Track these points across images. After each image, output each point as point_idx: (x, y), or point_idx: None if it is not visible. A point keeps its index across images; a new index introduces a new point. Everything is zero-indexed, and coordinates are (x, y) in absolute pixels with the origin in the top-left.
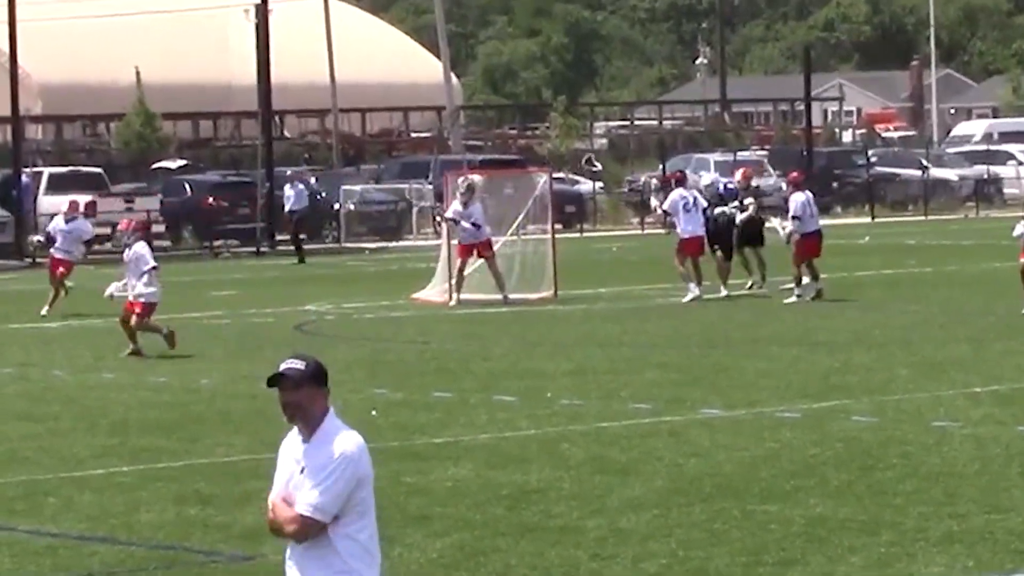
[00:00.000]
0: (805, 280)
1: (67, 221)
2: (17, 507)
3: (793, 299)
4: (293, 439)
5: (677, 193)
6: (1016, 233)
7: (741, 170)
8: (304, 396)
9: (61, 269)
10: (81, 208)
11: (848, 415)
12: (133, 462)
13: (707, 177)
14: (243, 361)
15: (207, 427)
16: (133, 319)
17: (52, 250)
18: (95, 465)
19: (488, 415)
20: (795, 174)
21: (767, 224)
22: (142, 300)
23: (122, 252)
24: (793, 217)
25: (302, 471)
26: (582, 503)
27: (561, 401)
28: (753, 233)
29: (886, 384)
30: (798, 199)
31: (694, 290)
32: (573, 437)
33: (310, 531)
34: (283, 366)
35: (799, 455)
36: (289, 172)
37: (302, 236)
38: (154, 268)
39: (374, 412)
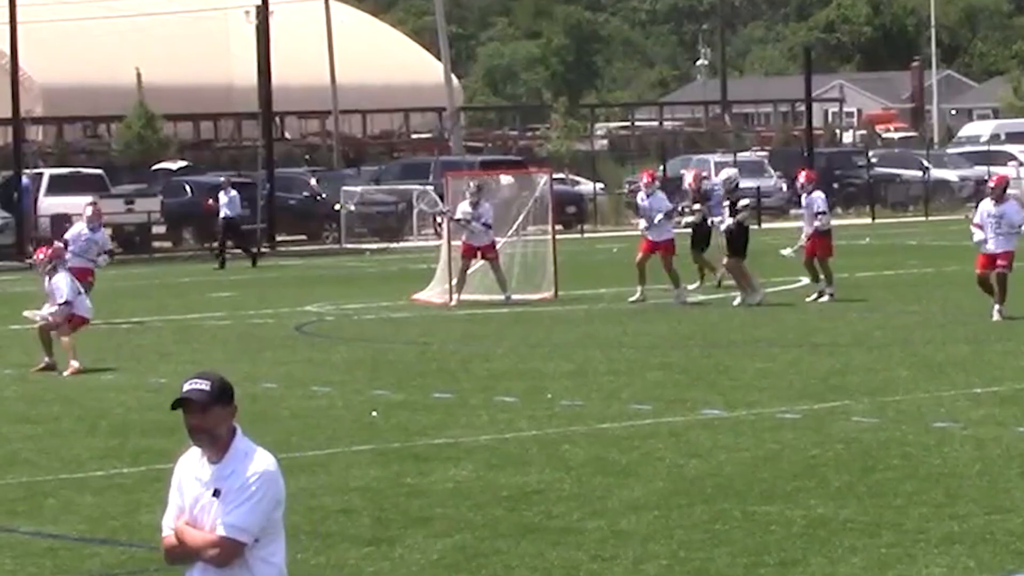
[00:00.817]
0: (805, 280)
1: (92, 230)
2: (18, 508)
3: (830, 294)
4: (193, 460)
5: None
6: (975, 240)
7: (692, 172)
8: (212, 418)
9: (90, 279)
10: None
11: (849, 416)
12: (133, 463)
13: (724, 173)
14: (244, 362)
15: None
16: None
17: (72, 259)
18: (95, 467)
19: (489, 416)
20: (809, 173)
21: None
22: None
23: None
24: (820, 212)
25: (215, 494)
26: (583, 504)
27: (562, 402)
28: (703, 236)
29: (887, 385)
30: (821, 196)
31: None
32: (574, 438)
33: (232, 554)
34: (187, 387)
35: (800, 456)
36: (223, 178)
37: (236, 244)
38: (67, 303)
39: (375, 413)
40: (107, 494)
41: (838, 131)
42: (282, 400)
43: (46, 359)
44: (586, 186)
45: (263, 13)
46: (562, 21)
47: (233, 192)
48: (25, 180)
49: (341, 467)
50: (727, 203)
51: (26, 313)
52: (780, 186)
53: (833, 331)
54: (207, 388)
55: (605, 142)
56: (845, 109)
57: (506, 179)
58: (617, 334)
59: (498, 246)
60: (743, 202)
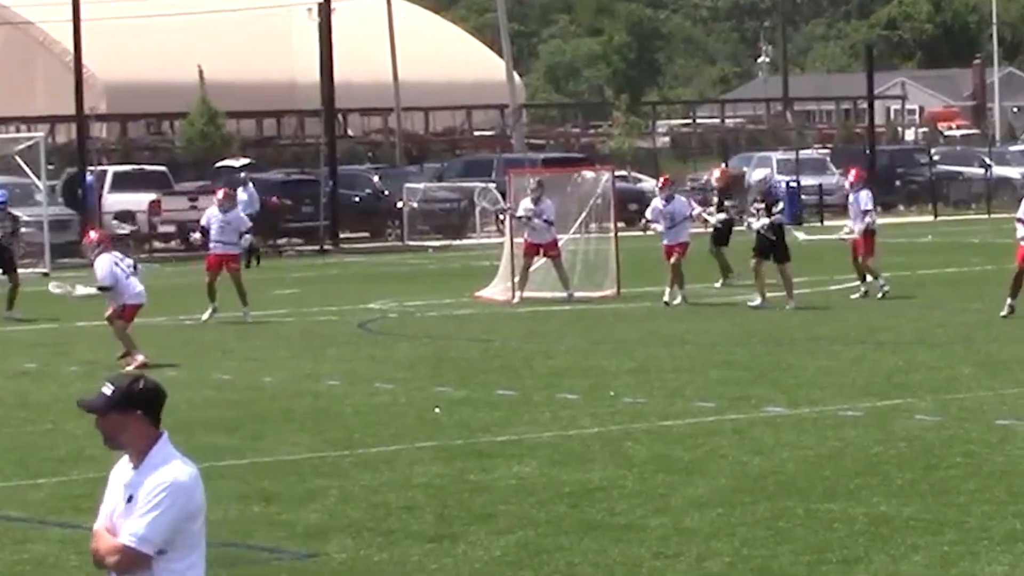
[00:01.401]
0: (869, 278)
1: (224, 212)
2: (83, 505)
3: (886, 289)
4: (125, 465)
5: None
6: (1018, 235)
7: (718, 170)
8: (110, 423)
9: (233, 265)
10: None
11: (911, 414)
12: (197, 460)
13: (759, 172)
14: (307, 360)
15: (271, 425)
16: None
17: (212, 244)
18: None
19: (551, 413)
20: (857, 172)
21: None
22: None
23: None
24: (866, 211)
25: (129, 500)
26: (645, 501)
27: (624, 399)
28: (726, 234)
29: (949, 382)
30: (868, 194)
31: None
32: (636, 435)
33: (133, 563)
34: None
35: (862, 454)
36: (242, 175)
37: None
38: (107, 288)
39: (437, 410)
40: None
41: (900, 128)
42: (345, 397)
43: (132, 352)
44: (648, 183)
45: (325, 10)
46: (624, 18)
47: (252, 189)
48: (89, 177)
49: (404, 464)
50: (761, 204)
51: (51, 286)
52: (842, 183)
53: (896, 329)
54: (107, 393)
55: (667, 139)
56: (907, 106)
57: (591, 174)
58: (679, 331)
59: (560, 243)
60: (780, 205)
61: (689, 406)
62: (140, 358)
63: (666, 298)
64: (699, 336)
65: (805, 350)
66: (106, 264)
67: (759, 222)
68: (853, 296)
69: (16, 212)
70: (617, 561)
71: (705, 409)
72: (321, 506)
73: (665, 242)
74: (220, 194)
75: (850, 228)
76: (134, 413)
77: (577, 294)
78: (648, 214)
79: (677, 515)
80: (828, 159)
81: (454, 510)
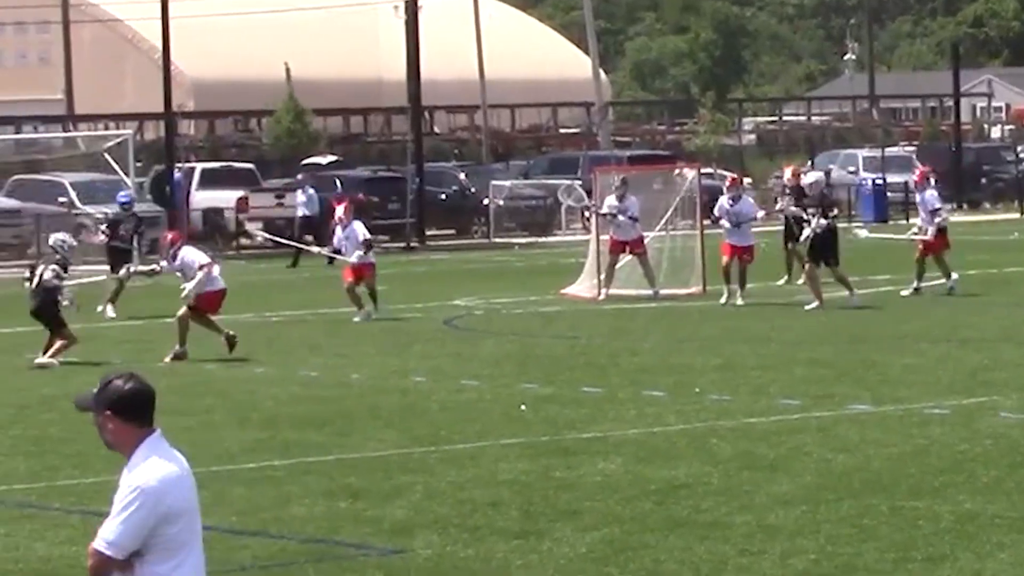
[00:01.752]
0: (955, 275)
1: (344, 228)
2: None
3: (953, 287)
4: None
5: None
6: None
7: (791, 169)
8: (96, 423)
9: (367, 274)
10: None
11: (997, 411)
12: (284, 456)
13: (811, 176)
14: (393, 356)
15: (357, 421)
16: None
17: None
18: (246, 459)
19: (637, 410)
20: (921, 172)
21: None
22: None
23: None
24: (934, 210)
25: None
26: (730, 498)
27: (709, 396)
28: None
29: None
30: (934, 194)
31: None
32: (721, 432)
33: (103, 567)
34: None
35: (948, 451)
36: (299, 176)
37: (308, 238)
38: (205, 265)
39: (523, 407)
40: (258, 486)
41: (986, 126)
42: (431, 394)
43: (224, 333)
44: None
45: (412, 8)
46: (710, 16)
47: (311, 191)
48: (177, 174)
49: (490, 460)
50: (816, 207)
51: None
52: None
53: (981, 326)
54: (90, 393)
55: (753, 137)
56: (993, 104)
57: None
58: (764, 329)
59: (646, 241)
60: (835, 210)
61: (774, 403)
62: (180, 350)
63: (731, 300)
64: (784, 333)
65: (890, 348)
66: (195, 251)
67: (815, 224)
68: (904, 293)
69: (140, 213)
70: (702, 558)
71: (790, 407)
72: (407, 502)
73: (729, 241)
74: (340, 210)
75: (920, 228)
76: (105, 413)
77: (663, 291)
78: (715, 211)
79: (762, 512)
80: (914, 157)
81: (539, 507)
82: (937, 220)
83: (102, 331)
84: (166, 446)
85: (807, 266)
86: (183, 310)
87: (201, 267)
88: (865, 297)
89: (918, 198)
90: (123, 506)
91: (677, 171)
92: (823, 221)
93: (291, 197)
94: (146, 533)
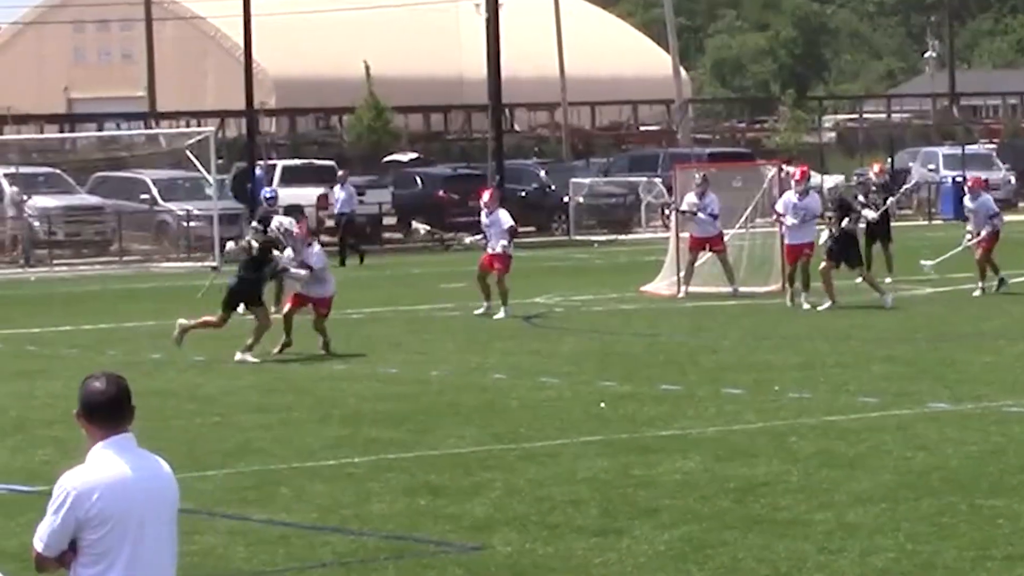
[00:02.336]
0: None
1: (488, 214)
2: (250, 497)
3: (997, 285)
4: None
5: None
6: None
7: (878, 165)
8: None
9: (497, 265)
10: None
11: None
12: (364, 453)
13: (830, 181)
14: (473, 353)
15: (437, 418)
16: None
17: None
18: (327, 456)
19: (716, 408)
20: (975, 179)
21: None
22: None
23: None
24: (993, 215)
25: None
26: (810, 496)
27: (789, 394)
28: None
29: None
30: (989, 198)
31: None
32: (801, 430)
33: (39, 562)
34: None
35: None
36: (340, 172)
37: (351, 241)
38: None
39: (602, 404)
40: (338, 483)
41: None
42: (511, 391)
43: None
44: (814, 179)
45: (493, 5)
46: (790, 13)
47: (351, 188)
48: (259, 171)
49: (569, 458)
50: (834, 212)
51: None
52: (1008, 178)
53: None
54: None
55: (833, 134)
56: None
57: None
58: (844, 326)
59: (726, 238)
60: (853, 215)
61: (853, 401)
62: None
63: (802, 301)
64: (863, 331)
65: (969, 346)
66: (321, 253)
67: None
68: (975, 294)
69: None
70: (781, 556)
71: (869, 405)
72: (487, 499)
73: (791, 242)
74: (486, 196)
75: (972, 232)
76: (76, 412)
77: (742, 289)
78: (779, 207)
79: (841, 510)
80: (994, 154)
81: (618, 504)
82: (995, 222)
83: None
84: (127, 450)
85: (822, 266)
86: (287, 308)
87: (322, 269)
88: (943, 296)
89: (970, 204)
90: (49, 506)
91: (784, 171)
92: (853, 221)
93: (372, 194)
94: (70, 534)
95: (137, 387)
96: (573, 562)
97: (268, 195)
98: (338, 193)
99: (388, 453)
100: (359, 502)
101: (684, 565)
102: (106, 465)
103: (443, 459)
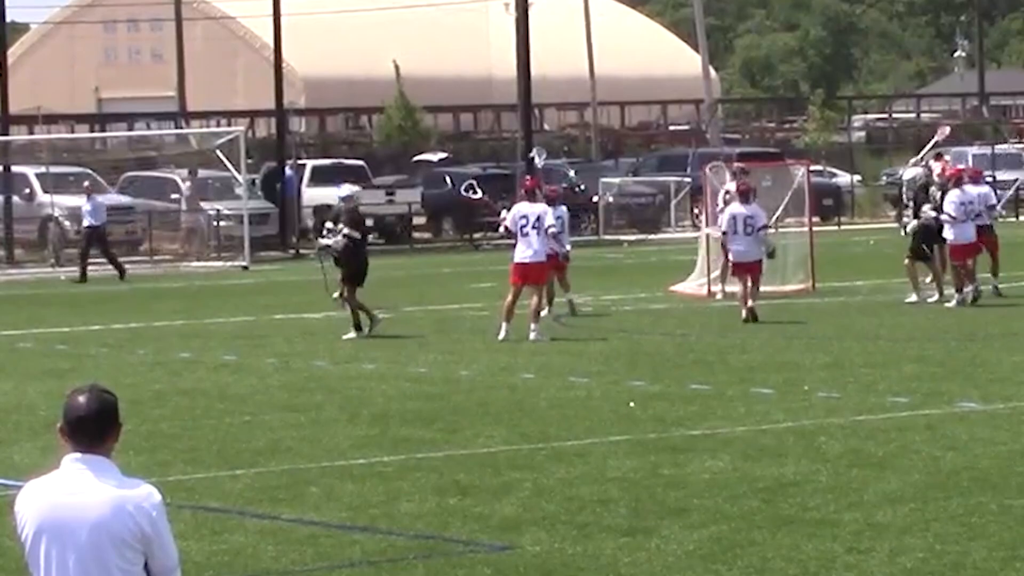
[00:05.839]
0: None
1: (550, 204)
2: (280, 496)
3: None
4: None
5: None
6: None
7: (941, 164)
8: None
9: (557, 271)
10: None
11: None
12: (394, 452)
13: (910, 172)
14: (502, 353)
15: (467, 418)
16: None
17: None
18: (356, 455)
19: (745, 407)
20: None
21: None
22: None
23: None
24: (992, 205)
25: None
26: (839, 496)
27: (818, 394)
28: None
29: None
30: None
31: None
32: (830, 430)
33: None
34: None
35: None
36: (86, 184)
37: (112, 251)
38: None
39: (632, 404)
40: (368, 482)
41: None
42: (540, 390)
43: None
44: (843, 178)
45: (522, 5)
46: (819, 13)
47: (98, 199)
48: (288, 171)
49: (598, 457)
50: (912, 204)
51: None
52: None
53: None
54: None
55: (862, 134)
56: None
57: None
58: (874, 326)
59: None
60: (927, 206)
61: (882, 401)
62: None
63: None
64: (893, 331)
65: (1000, 345)
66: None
67: (918, 220)
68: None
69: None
70: (810, 556)
71: (898, 404)
72: (516, 499)
73: (957, 240)
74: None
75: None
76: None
77: (771, 288)
78: (952, 211)
79: (870, 510)
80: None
81: (648, 504)
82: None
83: (215, 328)
84: (79, 472)
85: (907, 261)
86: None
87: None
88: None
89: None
90: None
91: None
92: (914, 220)
93: (402, 194)
94: (26, 547)
95: (166, 386)
96: (602, 561)
97: (345, 194)
98: (85, 206)
99: (417, 452)
100: (388, 501)
101: (713, 565)
102: (49, 482)
103: (472, 458)
